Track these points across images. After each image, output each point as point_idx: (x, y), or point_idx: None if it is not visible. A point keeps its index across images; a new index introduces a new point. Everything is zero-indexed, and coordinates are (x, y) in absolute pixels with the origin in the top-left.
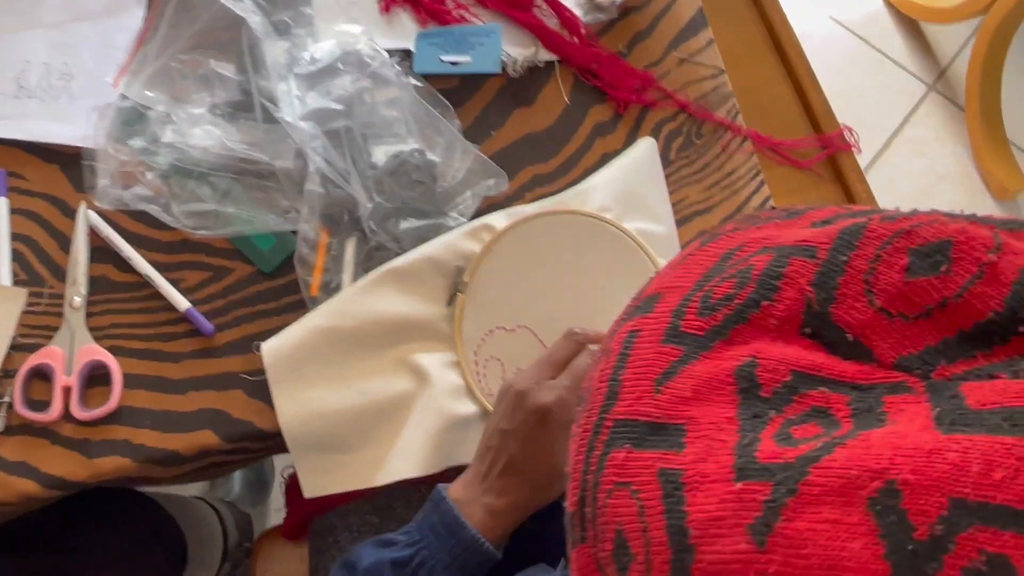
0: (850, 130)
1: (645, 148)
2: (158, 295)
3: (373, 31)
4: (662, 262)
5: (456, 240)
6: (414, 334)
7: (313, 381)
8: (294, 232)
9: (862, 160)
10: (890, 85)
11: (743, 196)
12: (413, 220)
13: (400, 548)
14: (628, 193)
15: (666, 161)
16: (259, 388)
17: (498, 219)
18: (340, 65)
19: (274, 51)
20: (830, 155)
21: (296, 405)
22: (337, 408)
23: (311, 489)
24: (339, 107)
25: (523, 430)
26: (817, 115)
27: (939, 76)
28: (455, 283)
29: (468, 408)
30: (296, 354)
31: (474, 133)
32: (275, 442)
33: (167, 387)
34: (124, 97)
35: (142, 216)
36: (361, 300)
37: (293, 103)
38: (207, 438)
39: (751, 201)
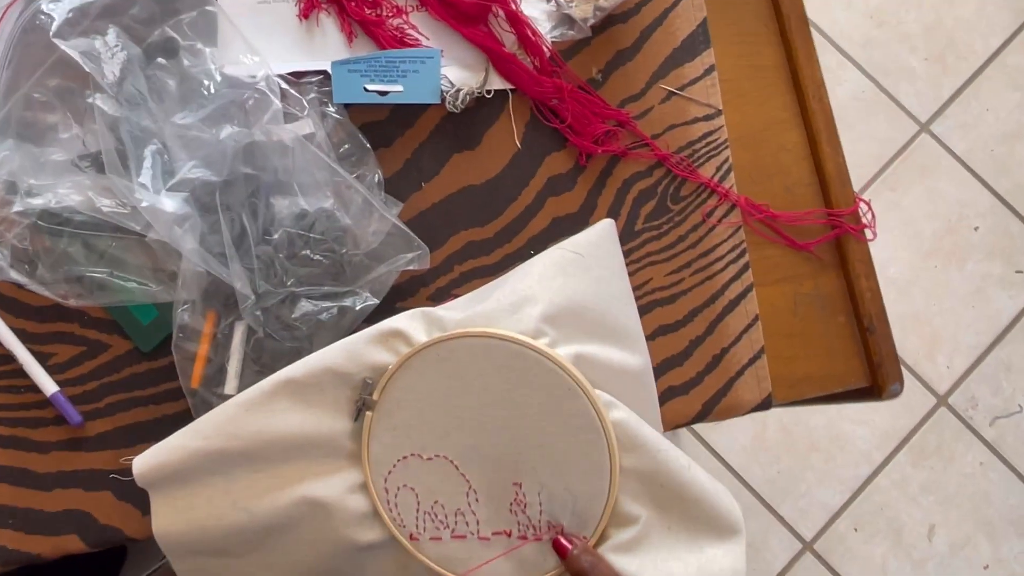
0: (868, 204)
1: (599, 235)
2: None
3: (289, 46)
4: (603, 401)
5: (362, 348)
6: (313, 452)
7: (194, 492)
8: None
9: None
10: None
11: (719, 283)
12: (311, 303)
13: None
14: (573, 307)
15: (630, 232)
16: (130, 489)
17: (412, 325)
18: (223, 116)
19: (139, 88)
20: (837, 237)
21: (175, 514)
22: (220, 524)
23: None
24: (216, 179)
25: None
26: (828, 179)
27: None
28: (363, 398)
29: (373, 535)
30: (174, 474)
31: (401, 182)
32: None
33: (32, 482)
34: None
35: None
36: (251, 418)
37: (158, 173)
38: (71, 543)
39: (728, 290)
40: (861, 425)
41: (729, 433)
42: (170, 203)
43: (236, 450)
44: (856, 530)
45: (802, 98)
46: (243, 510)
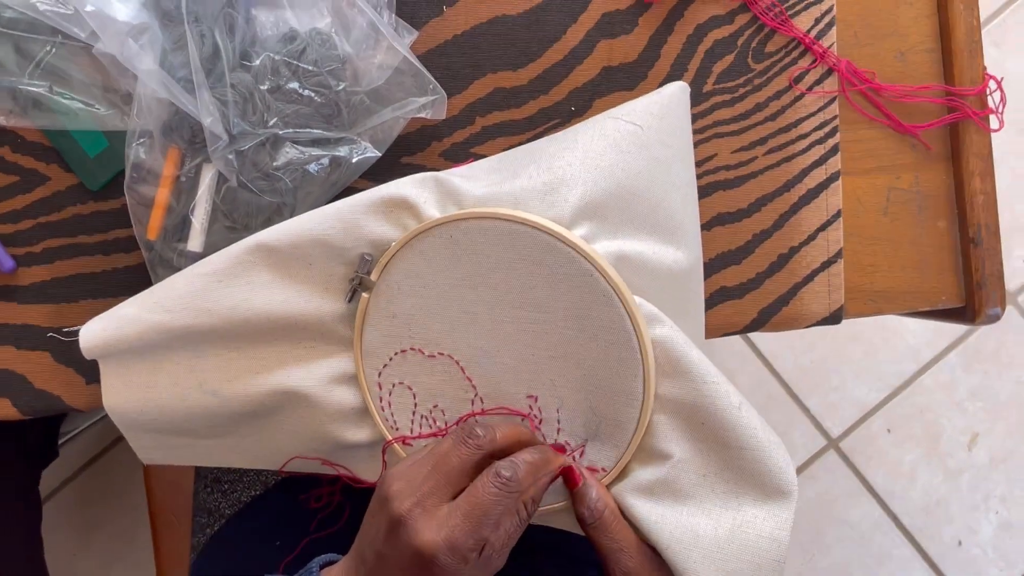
0: (998, 84)
1: (666, 104)
2: None
3: None
4: (645, 313)
5: (360, 218)
6: (297, 334)
7: (155, 368)
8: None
9: None
10: None
11: (798, 167)
12: (297, 150)
13: None
14: (622, 194)
15: (697, 94)
16: (73, 352)
17: (422, 195)
18: None
19: None
20: (954, 122)
21: (130, 390)
22: (183, 406)
23: (148, 459)
24: None
25: (398, 567)
26: (955, 46)
27: None
28: (359, 276)
29: (361, 435)
30: (130, 348)
31: (418, 4)
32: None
33: None
34: None
35: None
36: (226, 292)
37: None
38: (3, 408)
39: (807, 177)
40: (913, 318)
41: None
42: (123, 8)
43: (206, 327)
44: (889, 431)
45: None
46: (211, 393)
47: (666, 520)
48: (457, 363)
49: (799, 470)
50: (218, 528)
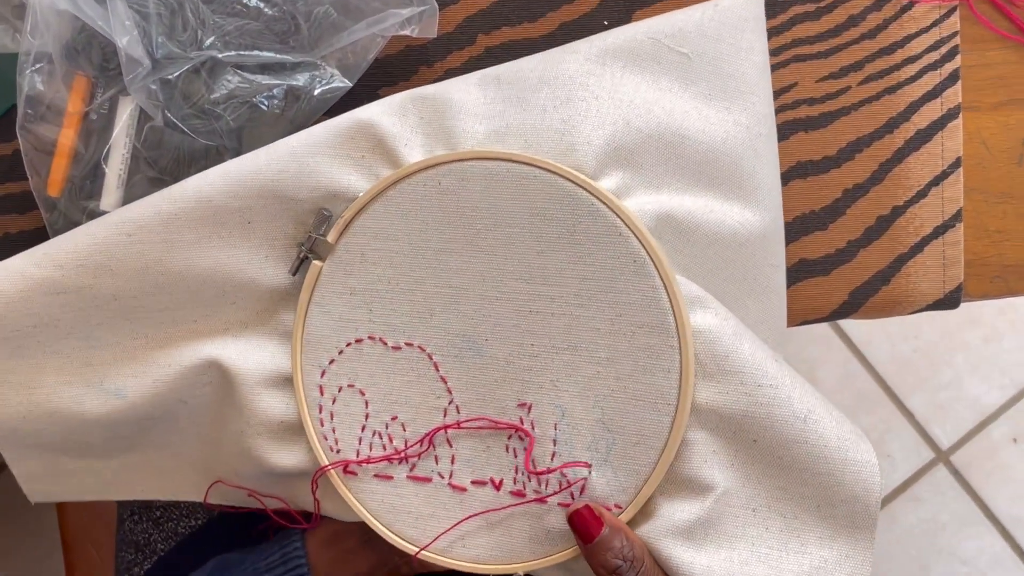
0: None
1: (722, 21)
2: None
3: None
4: (687, 295)
5: (318, 160)
6: (222, 313)
7: (39, 358)
8: None
9: None
10: None
11: (904, 100)
12: (242, 77)
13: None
14: (664, 135)
15: (771, 3)
16: None
17: (403, 131)
18: None
19: None
20: None
21: (5, 391)
22: (78, 411)
23: (36, 494)
24: None
25: None
26: None
27: None
28: (312, 238)
29: (291, 458)
30: (12, 313)
31: None
32: None
33: None
34: None
35: None
36: (135, 249)
37: None
38: None
39: (917, 114)
40: None
41: None
42: None
43: (105, 292)
44: (1015, 441)
45: None
46: (115, 393)
47: (715, 573)
48: (430, 357)
49: (899, 490)
50: (149, 567)
